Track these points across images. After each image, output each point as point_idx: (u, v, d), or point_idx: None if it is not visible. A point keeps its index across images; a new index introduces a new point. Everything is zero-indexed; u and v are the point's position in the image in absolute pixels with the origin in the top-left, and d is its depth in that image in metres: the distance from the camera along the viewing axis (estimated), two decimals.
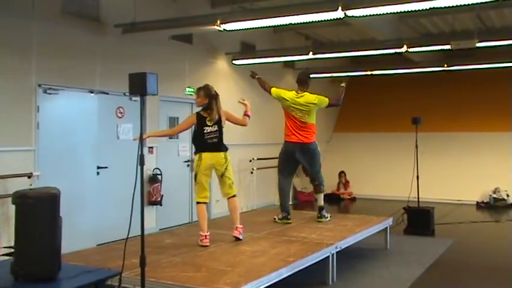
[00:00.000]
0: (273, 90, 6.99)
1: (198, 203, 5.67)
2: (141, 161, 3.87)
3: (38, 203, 3.36)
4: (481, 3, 5.75)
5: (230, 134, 9.86)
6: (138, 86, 3.90)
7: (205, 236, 5.51)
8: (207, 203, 5.72)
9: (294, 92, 6.96)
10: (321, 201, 7.16)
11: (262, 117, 10.82)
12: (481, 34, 8.57)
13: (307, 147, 7.00)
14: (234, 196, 5.80)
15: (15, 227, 3.42)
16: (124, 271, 3.98)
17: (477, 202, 11.93)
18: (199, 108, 5.78)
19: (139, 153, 3.84)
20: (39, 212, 3.35)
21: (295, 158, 7.00)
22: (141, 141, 3.76)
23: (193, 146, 5.97)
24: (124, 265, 3.92)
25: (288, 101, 6.89)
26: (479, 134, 12.52)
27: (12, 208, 3.50)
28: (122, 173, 7.30)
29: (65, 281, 3.46)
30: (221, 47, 9.91)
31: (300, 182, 12.79)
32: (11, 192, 3.61)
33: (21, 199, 3.37)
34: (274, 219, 7.00)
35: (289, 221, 6.91)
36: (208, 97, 5.72)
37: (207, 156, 5.61)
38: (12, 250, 3.41)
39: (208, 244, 5.45)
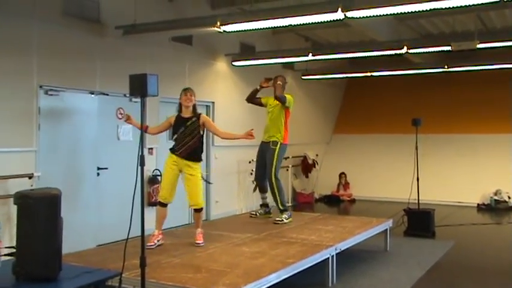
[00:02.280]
0: (288, 96, 6.99)
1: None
2: (142, 161, 3.89)
3: (39, 204, 3.37)
4: (482, 4, 5.73)
5: None
6: (138, 87, 3.93)
7: None
8: None
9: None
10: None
11: (261, 119, 10.82)
12: (481, 35, 8.57)
13: None
14: None
15: (17, 228, 3.43)
16: (124, 272, 3.99)
17: (478, 204, 11.92)
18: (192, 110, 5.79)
19: (140, 154, 3.86)
20: (40, 212, 3.36)
21: None
22: None
23: (200, 151, 5.79)
24: (124, 266, 3.93)
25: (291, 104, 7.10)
26: (480, 136, 12.52)
27: (13, 208, 3.51)
28: (122, 174, 7.31)
29: (66, 281, 3.47)
30: (221, 49, 9.92)
31: (300, 184, 12.82)
32: (12, 193, 3.62)
33: (22, 199, 3.38)
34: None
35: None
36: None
37: None
38: (14, 250, 3.42)
39: None
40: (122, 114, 7.79)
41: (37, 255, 3.33)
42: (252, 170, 10.57)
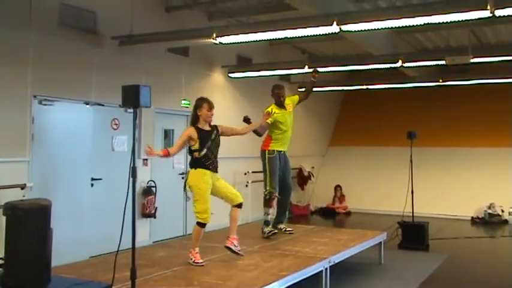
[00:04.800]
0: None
1: None
2: (133, 173, 3.88)
3: (28, 215, 3.35)
4: (475, 19, 5.78)
5: (226, 146, 9.82)
6: (131, 98, 3.93)
7: None
8: None
9: None
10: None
11: None
12: (475, 50, 8.63)
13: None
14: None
15: (5, 239, 3.40)
16: (115, 284, 3.95)
17: (472, 217, 11.91)
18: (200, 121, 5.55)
19: (132, 165, 3.84)
20: (29, 223, 3.34)
21: None
22: None
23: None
24: (115, 278, 3.90)
25: None
26: (473, 149, 12.56)
27: (4, 219, 3.48)
28: (116, 185, 7.27)
29: None
30: (217, 60, 9.94)
31: (295, 196, 12.77)
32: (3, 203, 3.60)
33: (11, 210, 3.36)
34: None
35: None
36: None
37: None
38: (2, 262, 3.39)
39: None
40: (117, 125, 7.79)
41: (26, 267, 3.30)
42: (248, 182, 10.57)
